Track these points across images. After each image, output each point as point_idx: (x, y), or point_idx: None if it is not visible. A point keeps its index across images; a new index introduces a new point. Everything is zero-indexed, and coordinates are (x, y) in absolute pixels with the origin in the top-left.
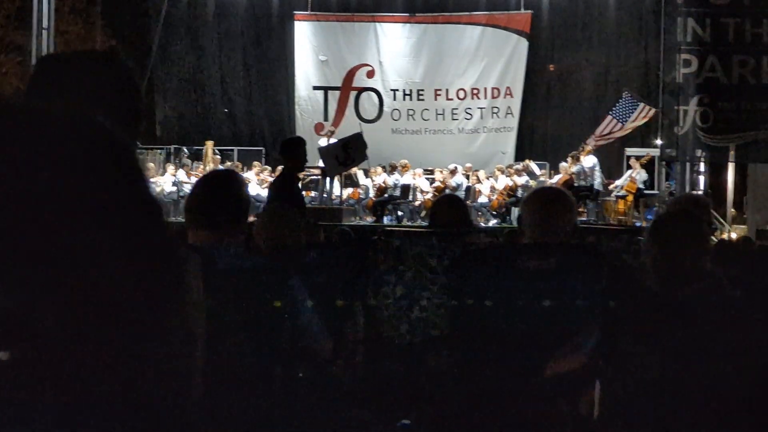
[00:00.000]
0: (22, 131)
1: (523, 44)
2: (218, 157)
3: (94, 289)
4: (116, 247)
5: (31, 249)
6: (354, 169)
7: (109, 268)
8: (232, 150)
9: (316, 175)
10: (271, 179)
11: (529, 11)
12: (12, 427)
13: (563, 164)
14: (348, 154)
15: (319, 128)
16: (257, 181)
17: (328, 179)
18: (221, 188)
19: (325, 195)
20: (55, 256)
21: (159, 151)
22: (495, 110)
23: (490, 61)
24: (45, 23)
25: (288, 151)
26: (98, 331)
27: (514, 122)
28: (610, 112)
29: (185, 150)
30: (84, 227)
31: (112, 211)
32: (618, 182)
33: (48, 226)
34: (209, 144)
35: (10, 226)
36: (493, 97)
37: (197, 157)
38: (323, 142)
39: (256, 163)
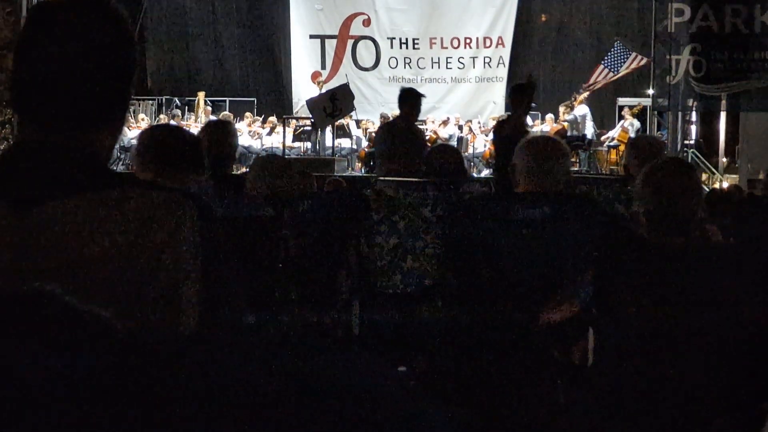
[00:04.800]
0: None
1: None
2: (210, 108)
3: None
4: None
5: None
6: (346, 120)
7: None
8: (224, 101)
9: (308, 126)
10: (261, 130)
11: None
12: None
13: (550, 115)
14: (335, 105)
15: (315, 77)
16: (248, 132)
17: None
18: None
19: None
20: None
21: (150, 102)
22: (487, 60)
23: (482, 10)
24: None
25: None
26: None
27: (505, 72)
28: (602, 62)
29: (177, 101)
30: None
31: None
32: (610, 134)
33: None
34: (201, 95)
35: None
36: (485, 47)
37: (189, 107)
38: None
39: (248, 114)
